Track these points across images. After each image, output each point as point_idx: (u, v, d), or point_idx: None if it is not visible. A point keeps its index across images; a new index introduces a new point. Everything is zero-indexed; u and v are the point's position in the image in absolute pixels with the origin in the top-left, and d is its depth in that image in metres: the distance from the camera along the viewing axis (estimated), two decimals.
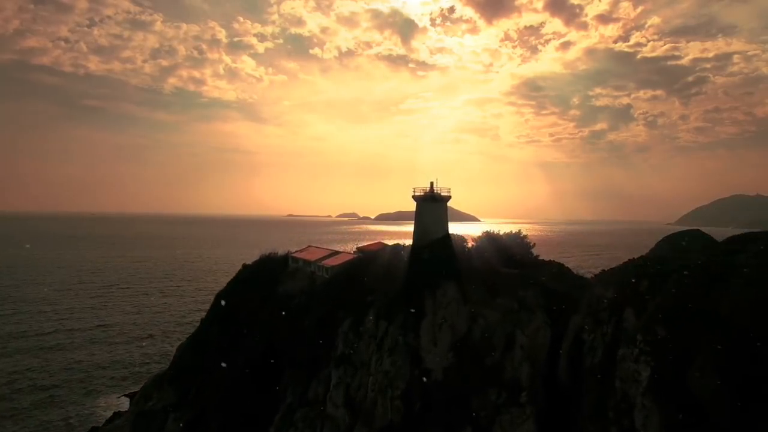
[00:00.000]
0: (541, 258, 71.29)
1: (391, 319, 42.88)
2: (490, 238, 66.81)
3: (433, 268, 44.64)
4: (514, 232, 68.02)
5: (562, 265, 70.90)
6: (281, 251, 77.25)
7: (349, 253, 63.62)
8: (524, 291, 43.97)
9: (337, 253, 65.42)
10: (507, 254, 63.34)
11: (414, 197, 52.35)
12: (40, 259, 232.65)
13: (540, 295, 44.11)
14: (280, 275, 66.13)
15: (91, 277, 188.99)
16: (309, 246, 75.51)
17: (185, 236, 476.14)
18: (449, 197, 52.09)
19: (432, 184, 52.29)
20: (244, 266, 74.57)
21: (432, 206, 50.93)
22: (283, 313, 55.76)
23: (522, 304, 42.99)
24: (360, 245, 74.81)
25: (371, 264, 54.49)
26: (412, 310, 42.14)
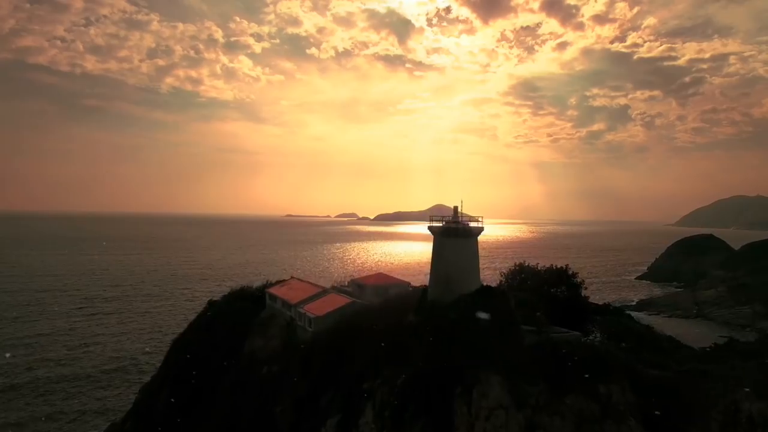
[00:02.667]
0: (586, 295, 56.35)
1: (400, 429, 27.46)
2: (525, 276, 51.53)
3: (463, 346, 29.14)
4: (556, 266, 52.59)
5: (622, 310, 55.76)
6: (258, 282, 62.17)
7: (340, 295, 48.00)
8: (605, 382, 28.51)
9: (324, 292, 49.90)
10: (549, 296, 48.23)
11: (431, 229, 36.78)
12: (22, 265, 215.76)
13: (629, 389, 28.71)
14: (252, 322, 50.72)
15: (73, 286, 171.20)
16: (292, 278, 59.97)
17: (184, 237, 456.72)
18: (482, 229, 36.40)
19: (456, 209, 36.67)
20: (210, 304, 59.12)
21: (458, 243, 35.15)
22: (249, 386, 40.39)
23: (605, 405, 27.58)
24: (354, 278, 59.36)
25: (370, 317, 39.09)
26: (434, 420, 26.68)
